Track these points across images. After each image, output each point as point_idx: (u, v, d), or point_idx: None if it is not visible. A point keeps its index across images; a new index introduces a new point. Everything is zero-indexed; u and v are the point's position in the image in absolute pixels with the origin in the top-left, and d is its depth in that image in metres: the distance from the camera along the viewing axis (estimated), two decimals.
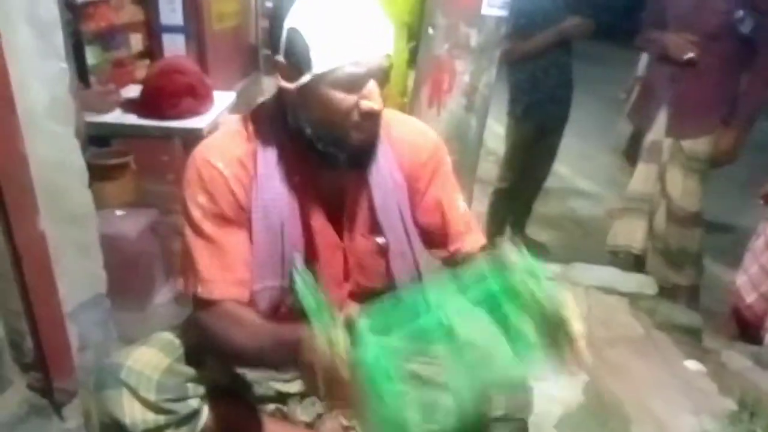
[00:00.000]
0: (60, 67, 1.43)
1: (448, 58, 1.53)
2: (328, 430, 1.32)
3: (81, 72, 3.10)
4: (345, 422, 1.33)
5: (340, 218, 1.19)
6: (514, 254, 0.99)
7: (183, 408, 1.13)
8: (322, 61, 0.97)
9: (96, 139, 2.47)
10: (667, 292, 2.38)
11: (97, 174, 2.38)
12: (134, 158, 2.43)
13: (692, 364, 1.97)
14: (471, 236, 1.26)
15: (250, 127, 1.13)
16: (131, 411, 1.08)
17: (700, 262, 2.48)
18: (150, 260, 2.35)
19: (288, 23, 0.99)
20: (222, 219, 1.09)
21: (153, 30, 3.54)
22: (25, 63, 1.34)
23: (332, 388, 0.87)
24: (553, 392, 1.66)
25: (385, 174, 1.17)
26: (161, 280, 2.41)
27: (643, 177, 2.50)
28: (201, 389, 1.17)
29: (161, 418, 1.10)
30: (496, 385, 0.97)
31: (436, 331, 0.92)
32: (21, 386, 1.57)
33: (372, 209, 1.18)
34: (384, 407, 0.82)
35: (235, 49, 4.32)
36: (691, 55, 2.26)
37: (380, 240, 1.20)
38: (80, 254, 1.61)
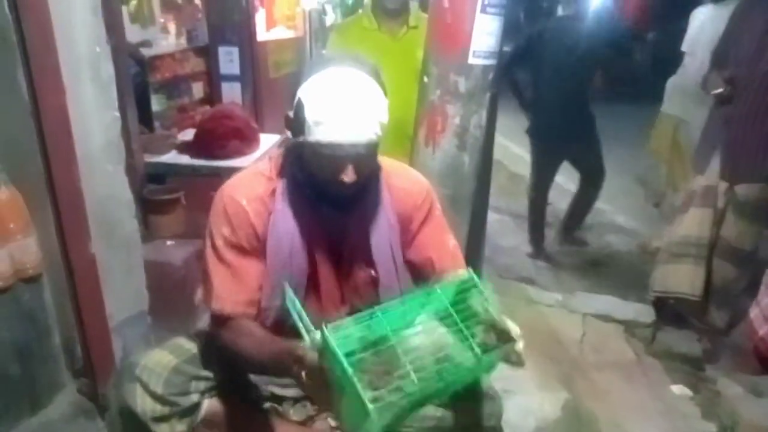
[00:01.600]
0: (114, 115, 1.69)
1: (440, 103, 1.70)
2: (318, 429, 1.46)
3: (146, 118, 3.47)
4: (333, 423, 1.47)
5: (340, 251, 1.38)
6: (467, 275, 1.16)
7: (185, 401, 1.32)
8: (313, 133, 1.17)
9: (153, 176, 2.78)
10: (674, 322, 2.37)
11: (152, 207, 2.68)
12: (185, 194, 2.71)
13: (678, 389, 2.00)
14: (456, 271, 1.39)
15: (273, 169, 1.33)
16: (142, 402, 1.28)
17: (739, 303, 2.45)
18: (194, 284, 2.58)
19: (299, 91, 1.20)
20: (240, 249, 1.29)
21: (212, 79, 3.91)
22: (87, 113, 1.61)
23: (315, 390, 1.05)
24: (532, 406, 1.75)
25: (381, 216, 1.35)
26: (204, 305, 2.63)
27: (697, 222, 2.43)
28: (202, 386, 1.35)
29: (166, 409, 1.30)
30: (454, 374, 1.07)
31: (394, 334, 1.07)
32: (72, 390, 1.80)
33: (368, 245, 1.36)
34: (346, 393, 0.97)
35: (291, 96, 4.64)
36: (720, 90, 2.31)
37: (373, 273, 1.38)
38: (126, 276, 1.85)
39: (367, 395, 0.93)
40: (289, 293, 1.16)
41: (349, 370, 0.94)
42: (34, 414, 1.71)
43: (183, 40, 3.96)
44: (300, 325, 1.09)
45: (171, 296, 2.37)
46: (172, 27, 3.90)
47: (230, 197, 1.30)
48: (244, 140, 2.89)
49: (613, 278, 3.09)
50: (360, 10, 2.66)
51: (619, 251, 3.54)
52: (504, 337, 1.10)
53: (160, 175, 2.82)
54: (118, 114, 1.70)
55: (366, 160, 1.22)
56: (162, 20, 3.83)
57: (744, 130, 2.31)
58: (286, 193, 1.30)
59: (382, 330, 1.06)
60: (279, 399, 1.45)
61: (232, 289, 1.28)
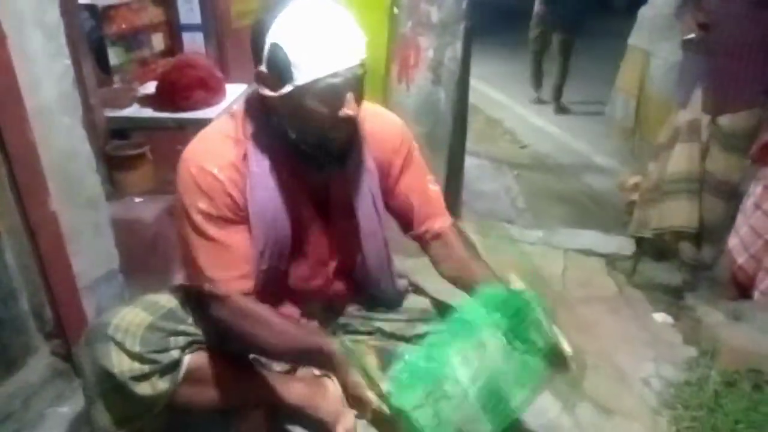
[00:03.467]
0: (65, 64, 1.58)
1: (413, 36, 1.62)
2: (301, 377, 1.44)
3: (105, 71, 3.31)
4: (317, 372, 1.45)
5: (325, 206, 1.33)
6: (519, 284, 1.17)
7: (165, 358, 1.26)
8: (303, 74, 1.07)
9: (116, 131, 2.66)
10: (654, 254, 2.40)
11: (117, 164, 2.58)
12: (151, 149, 2.60)
13: (660, 317, 2.05)
14: (440, 217, 1.39)
15: (240, 130, 1.22)
16: (119, 361, 1.22)
17: (725, 237, 2.47)
18: (167, 242, 2.51)
19: (270, 38, 1.09)
20: (222, 221, 1.20)
21: (173, 29, 3.72)
22: (35, 63, 1.50)
23: (353, 396, 1.07)
24: None
25: (359, 163, 1.29)
26: (178, 261, 2.57)
27: (686, 157, 2.44)
28: (182, 341, 1.30)
29: (146, 367, 1.24)
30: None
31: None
32: (45, 352, 1.75)
33: (349, 196, 1.30)
34: None
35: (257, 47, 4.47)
36: (691, 36, 2.31)
37: (354, 223, 1.33)
38: (93, 234, 1.77)
39: None
40: (346, 344, 1.17)
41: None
42: (8, 378, 1.66)
43: None
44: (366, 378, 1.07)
45: (144, 254, 2.30)
46: None
47: (199, 167, 1.19)
48: (209, 90, 2.77)
49: (595, 217, 3.10)
50: None
51: (599, 190, 3.54)
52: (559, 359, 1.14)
53: (123, 130, 2.71)
54: (69, 62, 1.59)
55: (362, 85, 1.13)
56: None
57: (724, 61, 2.29)
58: (259, 154, 1.21)
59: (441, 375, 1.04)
60: None
61: (222, 266, 1.21)
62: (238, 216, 1.22)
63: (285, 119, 1.16)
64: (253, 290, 1.24)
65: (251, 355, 1.41)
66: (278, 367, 1.42)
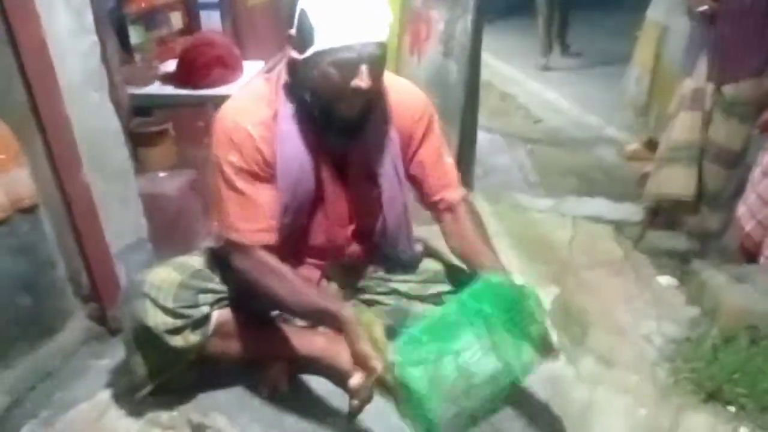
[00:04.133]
0: (92, 40, 1.66)
1: (424, 9, 1.68)
2: (322, 331, 1.53)
3: (126, 50, 3.39)
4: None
5: (345, 169, 1.42)
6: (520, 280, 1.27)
7: (196, 313, 1.38)
8: (322, 40, 1.17)
9: (139, 109, 2.75)
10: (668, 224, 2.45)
11: (140, 141, 2.68)
12: (173, 125, 2.69)
13: (665, 280, 2.11)
14: (453, 189, 1.47)
15: (273, 92, 1.33)
16: (154, 316, 1.34)
17: (731, 206, 2.51)
18: (191, 215, 2.62)
19: (301, 4, 1.19)
20: (251, 174, 1.30)
21: (190, 8, 3.79)
22: (63, 40, 1.58)
23: (361, 362, 1.15)
24: None
25: (381, 131, 1.38)
26: (202, 233, 2.68)
27: (688, 125, 2.47)
28: (210, 298, 1.41)
29: (178, 321, 1.36)
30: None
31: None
32: (82, 316, 1.86)
33: (371, 162, 1.39)
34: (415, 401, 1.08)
35: (270, 22, 4.52)
36: (704, 8, 2.31)
37: (376, 188, 1.42)
38: (122, 205, 1.87)
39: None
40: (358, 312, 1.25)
41: (435, 420, 1.07)
42: (48, 340, 1.77)
43: None
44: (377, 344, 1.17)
45: (169, 227, 2.41)
46: None
47: (234, 122, 1.30)
48: (228, 68, 2.86)
49: (605, 186, 3.14)
50: None
51: (610, 163, 3.58)
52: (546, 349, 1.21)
53: (145, 107, 2.80)
54: (96, 39, 1.67)
55: (379, 63, 1.21)
56: None
57: (730, 29, 2.31)
58: (289, 116, 1.30)
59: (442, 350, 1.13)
60: None
61: (248, 217, 1.30)
62: (266, 173, 1.32)
63: (305, 82, 1.25)
64: (275, 245, 1.33)
65: (273, 312, 1.51)
66: (300, 322, 1.52)
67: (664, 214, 2.56)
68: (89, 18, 1.65)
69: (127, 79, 2.73)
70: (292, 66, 1.30)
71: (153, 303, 1.34)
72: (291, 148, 1.31)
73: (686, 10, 2.50)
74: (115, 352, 1.75)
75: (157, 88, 2.78)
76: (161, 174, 2.65)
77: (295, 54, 1.24)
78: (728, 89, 2.34)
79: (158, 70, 2.93)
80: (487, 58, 5.62)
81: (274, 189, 1.32)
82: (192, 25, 3.83)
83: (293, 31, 1.22)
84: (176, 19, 3.91)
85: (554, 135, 4.16)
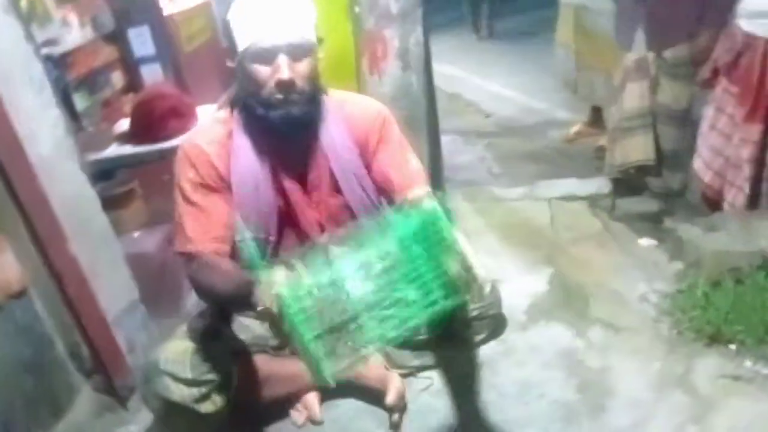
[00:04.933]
0: (56, 113, 1.67)
1: (377, 29, 1.75)
2: None
3: (73, 118, 3.35)
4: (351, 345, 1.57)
5: (306, 180, 1.44)
6: (429, 201, 1.13)
7: (217, 375, 1.38)
8: (242, 40, 1.26)
9: (101, 174, 2.72)
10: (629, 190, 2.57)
11: (109, 204, 2.63)
12: (138, 183, 2.68)
13: (644, 241, 2.25)
14: (416, 187, 1.45)
15: (226, 112, 1.42)
16: (178, 390, 1.34)
17: (688, 162, 2.64)
18: (173, 268, 2.59)
19: (228, 15, 1.30)
20: (207, 188, 1.35)
21: (129, 64, 3.76)
22: (28, 117, 1.58)
23: (273, 323, 1.08)
24: (521, 287, 1.95)
25: (337, 143, 1.42)
26: (187, 283, 2.66)
27: (637, 94, 2.60)
28: (225, 357, 1.42)
29: (203, 388, 1.36)
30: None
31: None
32: (88, 390, 1.83)
33: (330, 170, 1.42)
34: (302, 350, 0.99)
35: (212, 63, 4.51)
36: None
37: (342, 197, 1.45)
38: (111, 270, 1.86)
39: (326, 366, 0.97)
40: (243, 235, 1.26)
41: (309, 344, 0.97)
42: (58, 420, 1.74)
43: (89, 30, 3.77)
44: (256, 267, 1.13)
45: (154, 284, 2.38)
46: (73, 19, 3.68)
47: (190, 143, 1.39)
48: (182, 117, 2.84)
49: (566, 168, 3.26)
50: None
51: (565, 143, 3.71)
52: (468, 271, 1.06)
53: (107, 171, 2.77)
54: (59, 111, 1.67)
55: (299, 56, 1.26)
56: (60, 14, 3.62)
57: (658, 1, 2.44)
58: (242, 130, 1.37)
59: (336, 274, 1.03)
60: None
61: (200, 228, 1.34)
62: (221, 185, 1.36)
63: (242, 87, 1.34)
64: (228, 254, 1.35)
65: (286, 350, 1.51)
66: None
67: (628, 181, 2.68)
68: (49, 91, 1.65)
69: (84, 147, 2.70)
70: (236, 78, 1.37)
71: (173, 378, 1.34)
72: (245, 161, 1.36)
73: None
74: (130, 422, 1.73)
75: (115, 150, 2.75)
76: (136, 234, 2.62)
77: (230, 63, 1.34)
78: (668, 53, 2.49)
79: (113, 132, 2.91)
80: None
81: (230, 200, 1.37)
82: (134, 81, 3.81)
83: (226, 43, 1.33)
84: (117, 78, 3.87)
85: (507, 125, 4.28)
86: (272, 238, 1.43)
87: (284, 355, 1.52)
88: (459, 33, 6.98)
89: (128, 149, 2.74)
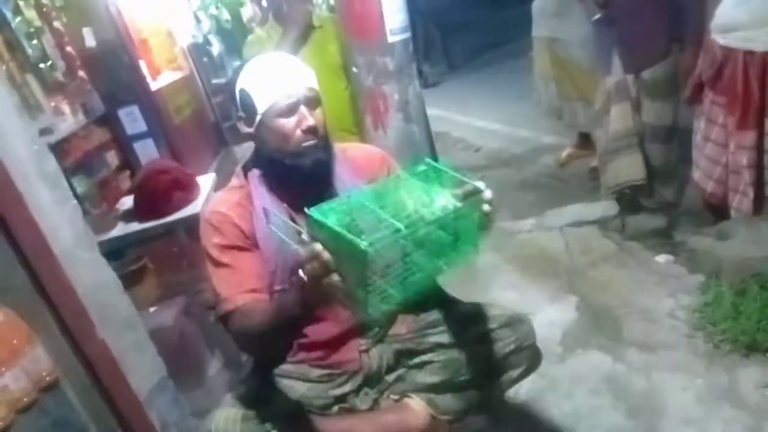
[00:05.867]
0: (72, 204, 1.69)
1: (377, 86, 1.81)
2: (386, 407, 1.55)
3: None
4: (395, 397, 1.56)
5: None
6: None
7: None
8: (263, 101, 1.33)
9: (110, 254, 2.73)
10: (636, 209, 2.62)
11: (123, 283, 2.65)
12: (149, 259, 2.69)
13: (662, 258, 2.27)
14: None
15: (242, 178, 1.47)
16: None
17: (679, 174, 2.71)
18: (193, 339, 2.59)
19: (238, 86, 1.37)
20: (234, 249, 1.39)
21: (122, 143, 3.82)
22: (48, 211, 1.59)
23: (323, 286, 1.03)
24: (551, 318, 1.96)
25: (347, 182, 1.46)
26: (208, 352, 2.64)
27: (621, 116, 2.67)
28: (272, 422, 1.41)
29: None
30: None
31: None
32: None
33: None
34: (344, 257, 0.97)
35: (201, 132, 4.60)
36: (598, 16, 2.59)
37: None
38: (138, 351, 1.85)
39: (361, 241, 0.93)
40: (273, 216, 1.26)
41: (336, 227, 0.97)
42: None
43: (81, 116, 3.84)
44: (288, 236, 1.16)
45: (177, 358, 2.37)
46: (65, 107, 3.76)
47: (211, 211, 1.43)
48: (185, 189, 2.88)
49: (563, 193, 3.30)
50: (253, 29, 2.71)
51: (556, 167, 3.77)
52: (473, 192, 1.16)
53: (116, 250, 2.78)
54: (76, 202, 1.69)
55: (314, 104, 1.36)
56: (52, 104, 3.69)
57: (630, 25, 2.55)
58: (259, 191, 1.42)
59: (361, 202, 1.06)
60: (342, 398, 1.52)
61: (234, 285, 1.37)
62: (247, 243, 1.40)
63: (265, 147, 1.39)
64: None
65: (336, 407, 1.50)
66: (363, 404, 1.53)
67: (630, 199, 2.73)
68: (64, 184, 1.67)
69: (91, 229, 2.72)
70: (254, 150, 1.44)
71: None
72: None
73: (590, 23, 2.74)
74: None
75: (122, 229, 2.76)
76: (152, 309, 2.62)
77: (247, 130, 1.40)
78: (646, 74, 2.57)
79: (117, 212, 2.93)
80: None
81: (259, 257, 1.40)
82: (128, 159, 3.85)
83: (240, 113, 1.39)
84: (112, 158, 3.92)
85: (496, 156, 4.35)
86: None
87: (331, 413, 1.51)
88: (443, 75, 7.17)
89: (135, 227, 2.75)
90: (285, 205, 1.42)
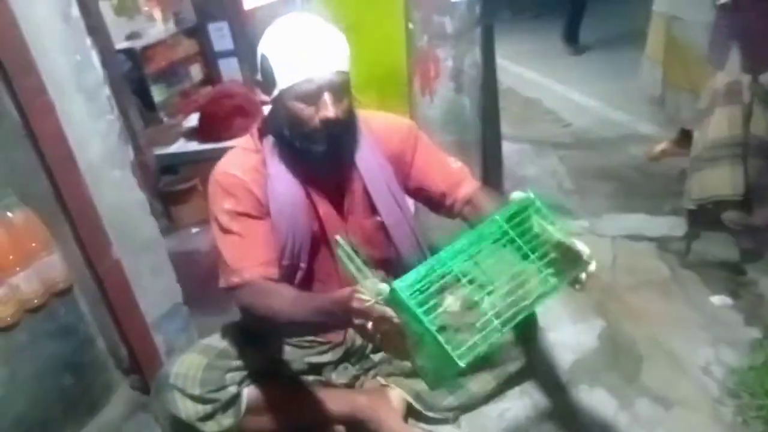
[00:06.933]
0: (108, 120, 1.69)
1: (430, 48, 1.66)
2: (368, 389, 1.49)
3: (150, 109, 3.49)
4: (382, 381, 1.50)
5: (342, 204, 1.40)
6: (520, 196, 1.09)
7: (224, 395, 1.36)
8: (283, 79, 1.21)
9: (166, 168, 2.80)
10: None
11: (171, 199, 2.73)
12: (200, 180, 2.73)
13: (718, 300, 1.97)
14: (465, 184, 1.43)
15: (257, 141, 1.37)
16: (184, 406, 1.33)
17: None
18: None
19: (260, 48, 1.25)
20: (246, 216, 1.31)
21: (208, 58, 3.87)
22: (80, 124, 1.61)
23: (385, 331, 0.97)
24: (567, 339, 1.77)
25: (370, 161, 1.37)
26: None
27: (726, 121, 2.34)
28: (238, 377, 1.39)
29: (208, 407, 1.34)
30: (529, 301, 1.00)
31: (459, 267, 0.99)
32: (125, 388, 1.88)
33: (367, 193, 1.38)
34: (427, 346, 0.92)
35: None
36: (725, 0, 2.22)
37: (378, 218, 1.40)
38: (154, 274, 1.88)
39: (454, 351, 0.89)
40: (343, 244, 1.09)
41: (432, 329, 0.89)
42: (93, 416, 1.79)
43: (171, 25, 3.92)
44: (359, 275, 1.03)
45: (204, 282, 2.42)
46: (157, 13, 3.84)
47: (224, 173, 1.33)
48: (248, 116, 2.87)
49: (644, 189, 3.01)
50: None
51: (645, 161, 3.44)
52: (571, 256, 1.04)
53: (173, 165, 2.85)
54: (113, 117, 1.69)
55: (340, 91, 1.23)
56: (146, 8, 3.77)
57: (759, 17, 2.19)
58: (275, 159, 1.32)
59: (446, 269, 0.98)
60: (318, 368, 1.48)
61: (245, 255, 1.29)
62: (260, 212, 1.32)
63: (280, 120, 1.28)
64: (278, 276, 1.30)
65: (311, 377, 1.47)
66: (340, 380, 1.49)
67: (705, 216, 2.43)
68: (103, 98, 1.67)
69: (152, 141, 2.80)
70: (271, 114, 1.33)
71: (181, 393, 1.33)
72: (283, 189, 1.31)
73: (715, 6, 2.39)
74: None
75: (181, 146, 2.82)
76: (194, 230, 2.69)
77: (264, 97, 1.29)
78: (766, 78, 2.23)
79: (182, 128, 2.99)
80: (506, 64, 5.60)
81: (269, 225, 1.32)
82: (212, 74, 3.91)
83: (259, 77, 1.28)
84: (196, 72, 4.01)
85: (584, 137, 4.03)
86: (303, 265, 1.39)
87: (303, 381, 1.48)
88: (546, 37, 6.58)
89: (193, 146, 2.81)
90: (299, 181, 1.33)
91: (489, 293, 0.99)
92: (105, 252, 1.67)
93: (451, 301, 0.98)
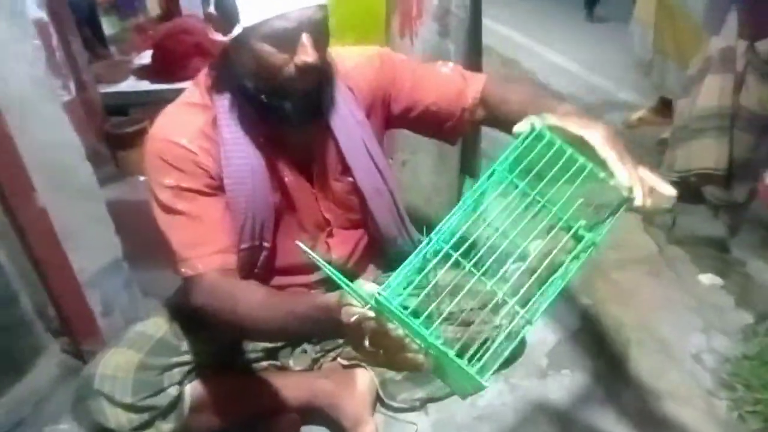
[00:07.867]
0: (34, 44, 1.45)
1: None
2: (330, 372, 1.34)
3: (100, 42, 3.18)
4: (344, 362, 1.35)
5: (310, 167, 1.20)
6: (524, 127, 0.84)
7: (163, 399, 1.16)
8: (248, 14, 0.94)
9: (114, 108, 2.55)
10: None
11: (118, 143, 2.49)
12: (151, 123, 2.50)
13: (707, 278, 1.87)
14: (472, 83, 1.18)
15: (205, 95, 1.11)
16: (115, 416, 1.11)
17: (755, 176, 2.26)
18: None
19: None
20: (195, 193, 1.08)
21: None
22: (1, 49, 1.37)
23: (387, 347, 0.78)
24: (548, 320, 1.64)
25: (345, 115, 1.15)
26: None
27: (717, 90, 2.20)
28: (177, 376, 1.20)
29: (145, 416, 1.13)
30: None
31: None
32: (55, 350, 1.70)
33: (340, 153, 1.17)
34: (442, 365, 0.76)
35: None
36: None
37: (350, 179, 1.20)
38: (91, 226, 1.67)
39: (473, 371, 0.70)
40: (309, 253, 0.82)
41: (451, 353, 0.71)
42: (19, 380, 1.61)
43: None
44: (339, 280, 0.77)
45: (150, 235, 2.22)
46: None
47: (166, 141, 1.07)
48: (207, 56, 2.62)
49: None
50: None
51: (622, 128, 3.34)
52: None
53: (122, 105, 2.60)
54: (38, 43, 1.45)
55: (322, 29, 0.99)
56: None
57: None
58: (229, 119, 1.07)
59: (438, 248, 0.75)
60: (273, 353, 1.31)
61: (196, 242, 1.06)
62: (211, 187, 1.09)
63: (240, 68, 1.03)
64: (236, 266, 1.10)
65: (265, 363, 1.31)
66: (298, 365, 1.32)
67: (687, 190, 2.32)
68: (25, 20, 1.43)
69: (99, 77, 2.53)
70: (223, 59, 1.08)
71: (109, 401, 1.11)
72: (240, 158, 1.09)
73: None
74: None
75: (131, 85, 2.57)
76: (142, 178, 2.46)
77: (219, 37, 1.01)
78: (762, 46, 2.09)
79: (132, 65, 2.72)
80: (487, 22, 5.38)
81: (223, 203, 1.10)
82: (171, 9, 3.61)
83: (212, 10, 1.00)
84: (153, 5, 3.69)
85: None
86: (267, 245, 1.19)
87: (257, 370, 1.31)
88: None
89: (145, 85, 2.57)
90: (259, 145, 1.11)
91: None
92: (27, 198, 1.45)
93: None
